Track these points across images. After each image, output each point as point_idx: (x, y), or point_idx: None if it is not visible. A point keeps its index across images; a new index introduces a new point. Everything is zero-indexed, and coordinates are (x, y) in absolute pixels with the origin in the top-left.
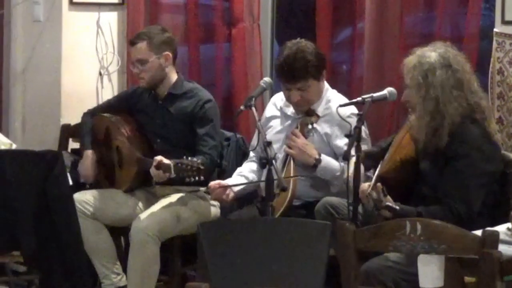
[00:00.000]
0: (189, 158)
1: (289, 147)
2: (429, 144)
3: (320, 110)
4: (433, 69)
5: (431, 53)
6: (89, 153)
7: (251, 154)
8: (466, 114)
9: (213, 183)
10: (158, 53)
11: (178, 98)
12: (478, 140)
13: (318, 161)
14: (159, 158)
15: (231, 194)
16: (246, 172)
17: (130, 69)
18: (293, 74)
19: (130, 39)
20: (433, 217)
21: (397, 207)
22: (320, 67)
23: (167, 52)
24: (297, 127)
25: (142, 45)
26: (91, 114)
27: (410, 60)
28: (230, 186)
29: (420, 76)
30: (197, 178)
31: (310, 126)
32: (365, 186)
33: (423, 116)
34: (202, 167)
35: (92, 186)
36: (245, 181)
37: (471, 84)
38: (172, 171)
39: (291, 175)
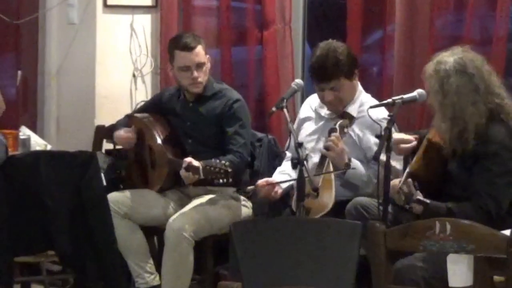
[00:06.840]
0: (218, 160)
1: (327, 149)
2: (456, 147)
3: (354, 112)
4: (448, 76)
5: (448, 59)
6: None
7: (288, 154)
8: (490, 116)
9: (261, 181)
10: (206, 55)
11: (208, 99)
12: (505, 139)
13: (348, 166)
14: (188, 160)
15: (280, 191)
16: (289, 170)
17: (164, 71)
18: (325, 74)
19: (183, 43)
20: (462, 213)
21: (428, 201)
22: (352, 66)
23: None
24: (336, 130)
25: (200, 48)
26: (128, 116)
27: (428, 67)
28: (278, 183)
29: (437, 83)
30: (225, 180)
31: (345, 130)
32: (396, 181)
33: (444, 122)
34: (230, 170)
35: (126, 187)
36: (289, 178)
37: (492, 86)
38: (201, 173)
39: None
